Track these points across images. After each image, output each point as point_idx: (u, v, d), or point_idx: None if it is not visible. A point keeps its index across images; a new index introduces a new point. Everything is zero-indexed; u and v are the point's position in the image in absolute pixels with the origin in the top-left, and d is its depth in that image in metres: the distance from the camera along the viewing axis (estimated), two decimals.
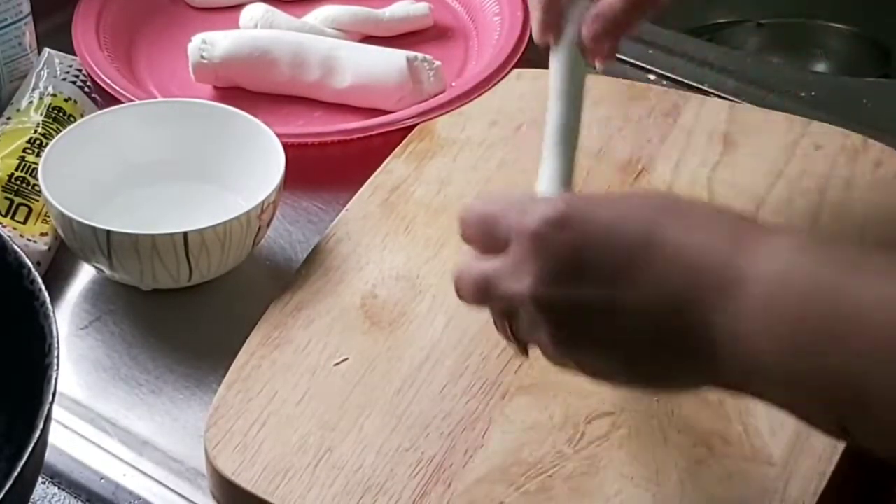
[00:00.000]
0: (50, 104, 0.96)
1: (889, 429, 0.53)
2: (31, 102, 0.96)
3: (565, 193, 0.70)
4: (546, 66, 1.07)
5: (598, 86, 1.01)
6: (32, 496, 0.71)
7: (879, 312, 0.52)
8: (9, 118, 0.96)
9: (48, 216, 0.88)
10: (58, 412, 0.79)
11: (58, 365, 0.65)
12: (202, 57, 1.03)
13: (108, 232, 0.82)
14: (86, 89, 1.00)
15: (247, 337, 0.81)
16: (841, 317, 0.53)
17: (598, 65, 0.79)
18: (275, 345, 0.80)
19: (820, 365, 0.54)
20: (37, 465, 0.65)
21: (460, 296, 0.66)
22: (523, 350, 0.66)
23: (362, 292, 0.84)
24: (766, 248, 0.56)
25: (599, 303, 0.59)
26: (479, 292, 0.64)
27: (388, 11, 1.11)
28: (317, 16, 1.11)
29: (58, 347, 0.66)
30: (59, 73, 0.99)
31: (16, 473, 0.60)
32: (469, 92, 1.02)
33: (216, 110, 0.93)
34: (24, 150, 0.92)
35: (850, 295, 0.53)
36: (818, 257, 0.56)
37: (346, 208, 0.91)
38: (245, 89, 1.04)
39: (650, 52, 1.10)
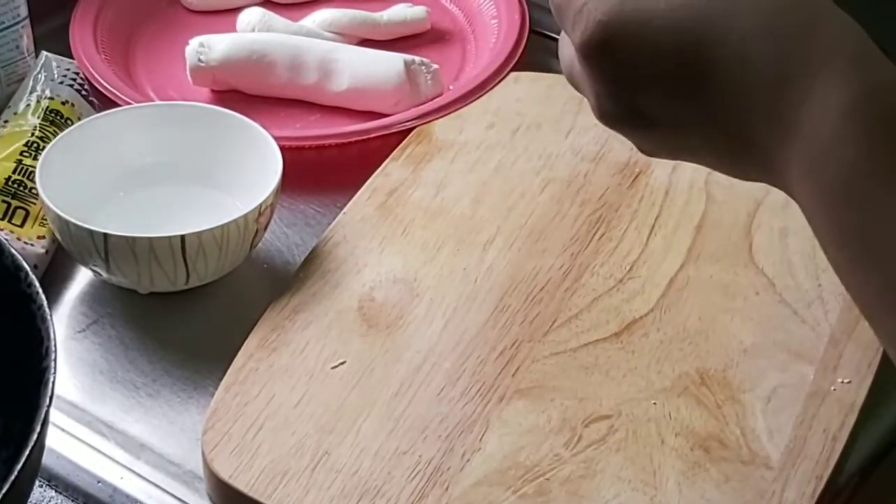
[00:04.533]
0: (47, 107, 0.96)
1: None
2: (28, 105, 0.96)
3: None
4: (542, 69, 1.07)
5: None
6: (30, 499, 0.70)
7: None
8: (6, 121, 0.96)
9: (45, 219, 0.88)
10: (55, 415, 0.79)
11: (55, 368, 0.65)
12: (200, 60, 1.03)
13: (106, 235, 0.82)
14: (83, 92, 1.00)
15: (244, 340, 0.81)
16: None
17: None
18: (272, 348, 0.80)
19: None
20: (34, 468, 0.65)
21: None
22: None
23: (360, 295, 0.84)
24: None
25: (664, 118, 0.57)
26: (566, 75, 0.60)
27: (385, 15, 1.11)
28: (314, 19, 1.11)
29: (55, 350, 0.66)
30: (56, 76, 0.99)
31: (13, 477, 0.60)
32: (466, 95, 1.02)
33: (214, 113, 0.93)
34: (21, 154, 0.92)
35: None
36: None
37: (343, 211, 0.91)
38: (242, 92, 1.04)
39: None
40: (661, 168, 0.93)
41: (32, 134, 0.94)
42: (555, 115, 0.99)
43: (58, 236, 0.86)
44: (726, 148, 0.57)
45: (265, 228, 0.87)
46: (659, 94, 0.56)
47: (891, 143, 0.52)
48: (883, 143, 0.51)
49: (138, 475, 0.77)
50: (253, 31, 1.08)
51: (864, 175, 0.51)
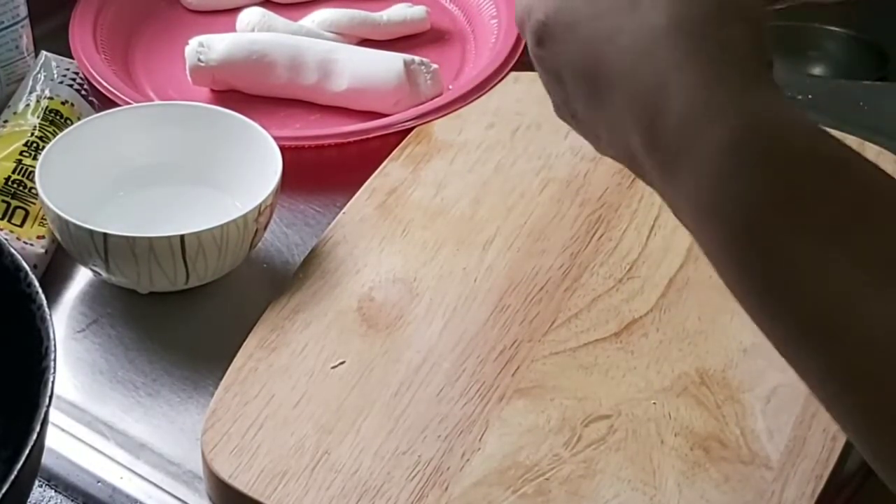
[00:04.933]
0: (47, 107, 0.96)
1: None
2: (27, 105, 0.96)
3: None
4: None
5: None
6: (29, 499, 0.70)
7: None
8: (6, 121, 0.96)
9: (45, 219, 0.88)
10: (54, 415, 0.79)
11: (54, 368, 0.65)
12: (199, 60, 1.03)
13: (105, 235, 0.82)
14: (83, 92, 1.00)
15: (244, 340, 0.81)
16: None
17: None
18: (272, 348, 0.80)
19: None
20: (33, 468, 0.65)
21: None
22: None
23: (359, 295, 0.84)
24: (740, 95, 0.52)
25: (587, 120, 0.59)
26: None
27: (385, 15, 1.11)
28: (314, 19, 1.11)
29: (54, 350, 0.66)
30: (56, 75, 0.99)
31: (12, 477, 0.60)
32: (466, 95, 1.02)
33: (213, 113, 0.93)
34: (20, 153, 0.92)
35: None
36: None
37: (342, 211, 0.91)
38: (242, 92, 1.04)
39: None
40: None
41: (32, 134, 0.94)
42: (554, 115, 0.99)
43: (57, 236, 0.86)
44: (634, 166, 0.57)
45: (265, 228, 0.87)
46: (580, 95, 0.58)
47: (780, 175, 0.50)
48: (772, 175, 0.50)
49: (138, 475, 0.77)
50: (252, 30, 1.08)
51: (756, 209, 0.50)
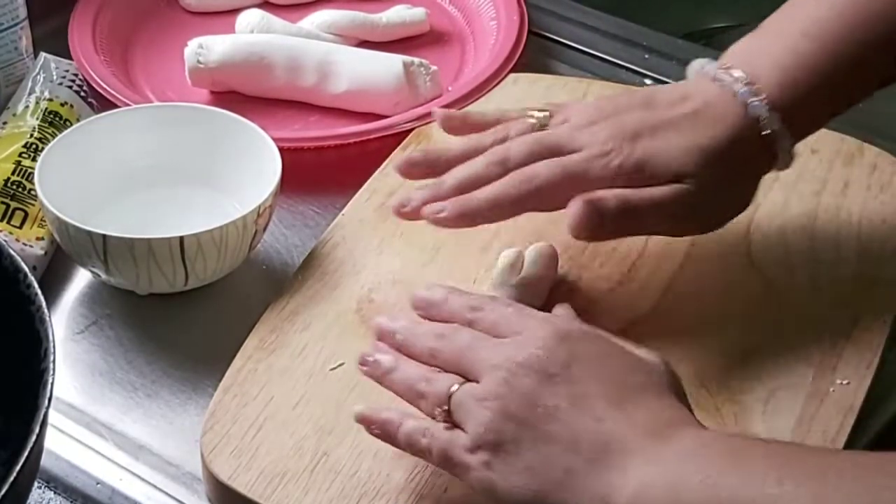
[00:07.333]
0: (46, 108, 0.96)
1: None
2: (27, 107, 0.96)
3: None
4: (541, 71, 1.06)
5: (593, 90, 1.01)
6: (28, 501, 0.70)
7: None
8: (5, 122, 0.96)
9: (44, 220, 0.88)
10: (54, 416, 0.79)
11: (54, 369, 0.65)
12: (198, 61, 1.03)
13: (105, 236, 0.82)
14: (82, 93, 1.00)
15: (243, 341, 0.81)
16: None
17: None
18: (271, 349, 0.80)
19: None
20: (33, 469, 0.65)
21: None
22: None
23: (358, 296, 0.84)
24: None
25: None
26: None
27: (384, 16, 1.11)
28: (313, 20, 1.11)
29: (54, 352, 0.66)
30: (55, 77, 0.99)
31: (11, 478, 0.60)
32: (465, 96, 1.02)
33: (212, 115, 0.93)
34: (20, 155, 0.92)
35: None
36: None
37: (342, 212, 0.91)
38: (241, 94, 1.04)
39: (646, 56, 1.10)
40: None
41: (31, 135, 0.94)
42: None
43: (57, 238, 0.86)
44: None
45: (264, 230, 0.87)
46: None
47: None
48: None
49: (137, 476, 0.77)
50: (252, 32, 1.08)
51: None
